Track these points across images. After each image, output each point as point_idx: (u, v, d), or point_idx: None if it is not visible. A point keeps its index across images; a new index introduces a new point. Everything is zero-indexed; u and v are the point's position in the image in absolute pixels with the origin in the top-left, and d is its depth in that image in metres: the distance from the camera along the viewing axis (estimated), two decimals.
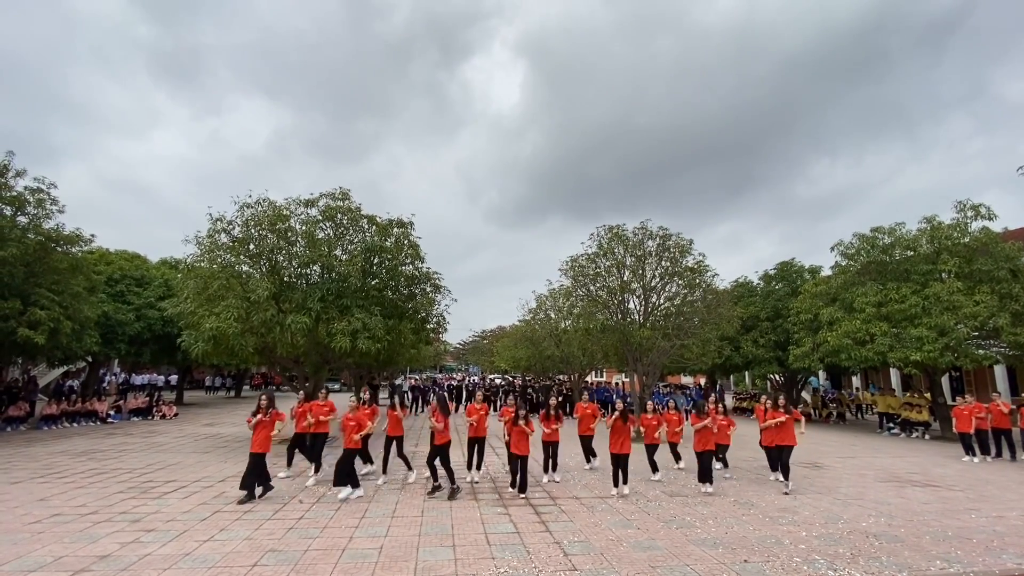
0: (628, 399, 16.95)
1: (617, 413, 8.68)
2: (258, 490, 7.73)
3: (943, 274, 15.83)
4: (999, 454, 12.59)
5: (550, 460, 9.32)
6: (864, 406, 24.69)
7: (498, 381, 37.44)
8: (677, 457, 10.59)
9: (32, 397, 18.31)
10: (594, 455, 10.44)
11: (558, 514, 7.12)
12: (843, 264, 18.41)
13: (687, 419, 13.96)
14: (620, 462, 8.33)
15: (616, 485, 8.30)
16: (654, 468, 9.49)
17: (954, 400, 13.59)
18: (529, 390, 24.20)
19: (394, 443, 9.09)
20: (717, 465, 9.91)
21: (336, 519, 6.75)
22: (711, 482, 8.52)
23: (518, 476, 8.12)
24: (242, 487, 7.64)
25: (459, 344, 79.72)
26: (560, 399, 11.55)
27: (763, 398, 10.68)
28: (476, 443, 9.18)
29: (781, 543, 6.02)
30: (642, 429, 9.93)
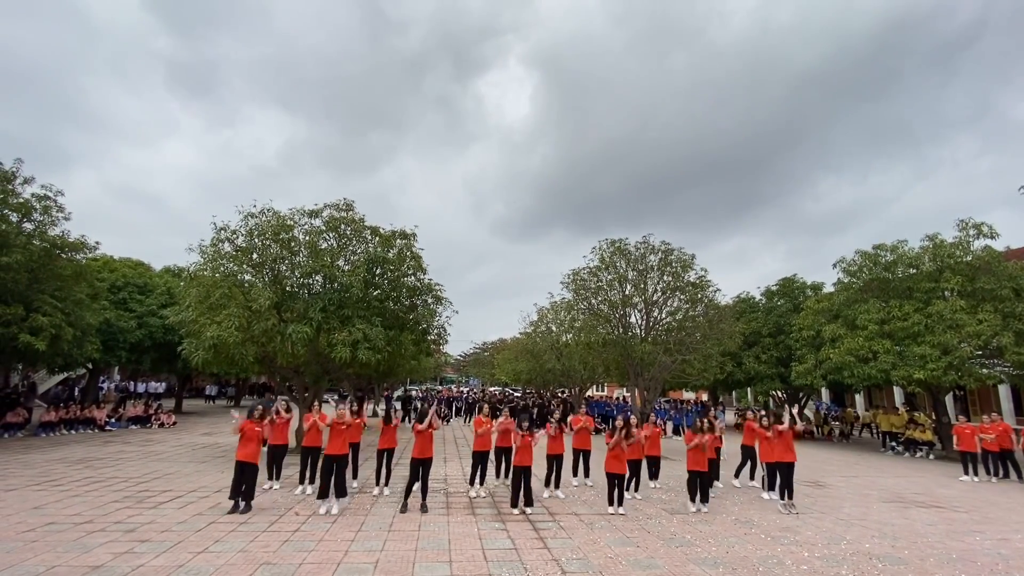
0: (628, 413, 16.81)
1: (615, 430, 8.53)
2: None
3: (946, 292, 15.77)
4: (1006, 475, 12.44)
5: (553, 475, 9.26)
6: (868, 425, 24.46)
7: (492, 390, 37.33)
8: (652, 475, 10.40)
9: (29, 403, 18.27)
10: (587, 473, 10.25)
11: (557, 530, 7.04)
12: (846, 281, 18.36)
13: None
14: (615, 481, 8.19)
15: (611, 504, 8.15)
16: (635, 486, 9.35)
17: (957, 419, 13.44)
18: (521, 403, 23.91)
19: (385, 455, 9.06)
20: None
21: (332, 532, 6.68)
22: (706, 501, 8.45)
23: (520, 492, 7.98)
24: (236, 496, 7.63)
25: (460, 356, 79.44)
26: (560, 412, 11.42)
27: (748, 412, 10.59)
28: (480, 457, 9.09)
29: (783, 564, 5.93)
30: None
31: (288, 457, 9.95)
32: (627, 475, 8.66)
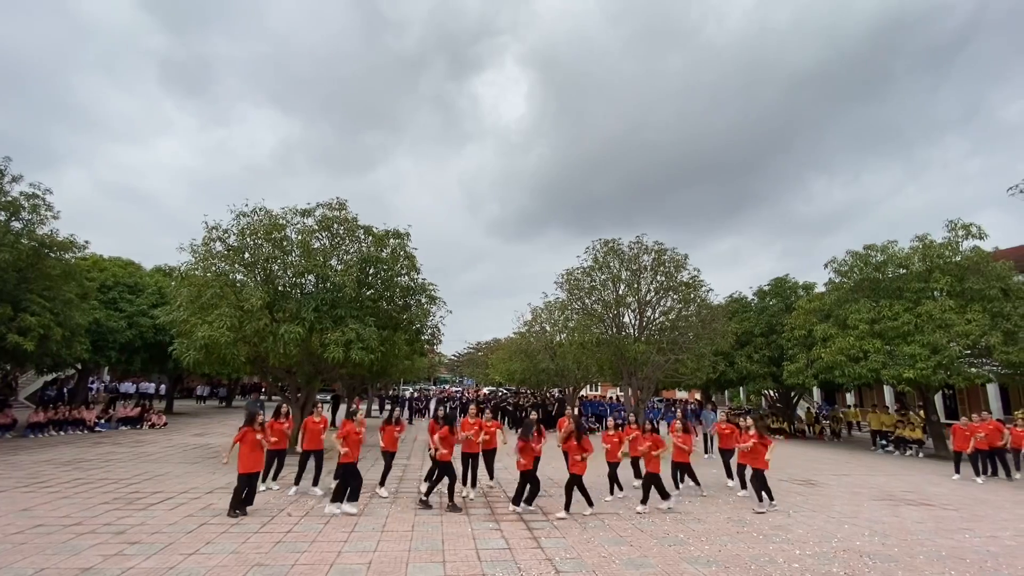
0: (620, 412, 16.86)
1: (568, 430, 8.28)
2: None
3: (935, 292, 15.94)
4: (994, 473, 12.60)
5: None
6: (855, 423, 24.70)
7: (485, 391, 37.33)
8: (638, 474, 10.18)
9: (7, 401, 17.98)
10: None
11: (550, 530, 7.04)
12: (837, 281, 18.52)
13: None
14: (573, 483, 7.87)
15: (567, 509, 7.81)
16: (612, 488, 9.12)
17: (947, 418, 13.60)
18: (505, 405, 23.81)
19: (389, 457, 9.02)
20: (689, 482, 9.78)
21: (325, 533, 6.64)
22: (665, 499, 8.34)
23: (525, 491, 7.95)
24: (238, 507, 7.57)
25: (454, 356, 79.39)
26: (541, 414, 11.23)
27: (722, 413, 10.54)
28: (470, 458, 9.07)
29: (774, 562, 5.96)
30: (605, 446, 9.29)
31: (292, 459, 9.88)
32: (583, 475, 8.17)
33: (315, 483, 8.95)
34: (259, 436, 7.78)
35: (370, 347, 11.61)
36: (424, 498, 8.10)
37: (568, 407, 20.71)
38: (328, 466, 9.20)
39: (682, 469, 9.59)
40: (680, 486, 9.80)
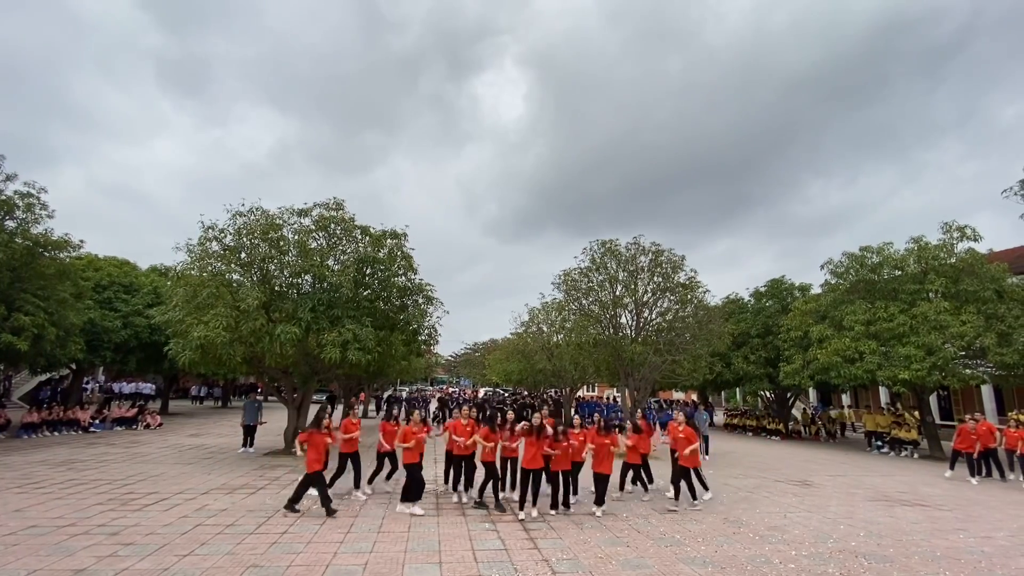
0: (617, 412, 16.85)
1: (526, 425, 8.15)
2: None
3: (930, 294, 16.02)
4: (988, 473, 12.67)
5: (508, 477, 8.97)
6: (850, 424, 24.78)
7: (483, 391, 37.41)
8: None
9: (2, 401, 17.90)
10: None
11: (547, 531, 7.04)
12: (833, 282, 18.59)
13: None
14: (528, 478, 7.76)
15: (522, 507, 7.72)
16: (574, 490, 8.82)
17: (942, 419, 13.67)
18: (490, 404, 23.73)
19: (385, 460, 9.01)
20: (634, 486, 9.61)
21: (321, 534, 6.62)
22: (600, 503, 8.14)
23: (529, 493, 7.85)
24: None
25: (451, 356, 79.30)
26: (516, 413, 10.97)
27: (677, 414, 10.23)
28: (463, 460, 8.98)
29: (770, 562, 5.98)
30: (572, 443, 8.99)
31: (289, 460, 9.84)
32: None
33: (356, 484, 8.86)
34: (328, 439, 8.03)
35: (367, 347, 11.56)
36: (486, 501, 8.18)
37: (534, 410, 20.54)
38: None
39: (633, 470, 9.35)
40: (627, 488, 9.44)
